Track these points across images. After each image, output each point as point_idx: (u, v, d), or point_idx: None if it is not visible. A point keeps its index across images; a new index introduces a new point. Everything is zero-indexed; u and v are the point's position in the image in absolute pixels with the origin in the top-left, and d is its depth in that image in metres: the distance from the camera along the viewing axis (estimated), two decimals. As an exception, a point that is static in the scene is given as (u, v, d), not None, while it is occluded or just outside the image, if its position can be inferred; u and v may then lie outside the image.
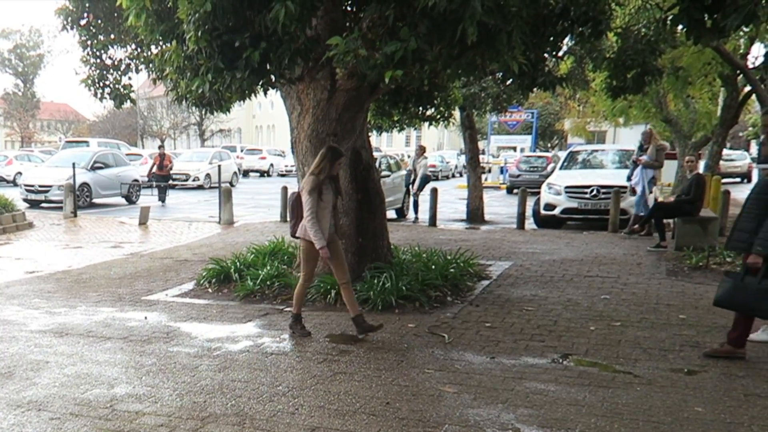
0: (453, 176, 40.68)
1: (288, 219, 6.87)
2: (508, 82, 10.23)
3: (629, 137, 36.96)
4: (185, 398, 4.80)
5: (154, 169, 21.42)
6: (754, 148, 51.77)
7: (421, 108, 10.99)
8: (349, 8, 7.97)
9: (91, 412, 4.56)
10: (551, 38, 7.71)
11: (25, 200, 19.60)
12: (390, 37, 5.63)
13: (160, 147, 23.48)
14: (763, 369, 5.36)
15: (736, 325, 5.62)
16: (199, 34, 5.75)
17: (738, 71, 15.39)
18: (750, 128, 51.12)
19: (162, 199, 21.11)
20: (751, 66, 15.45)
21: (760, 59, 16.77)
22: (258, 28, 5.85)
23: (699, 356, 5.64)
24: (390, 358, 5.66)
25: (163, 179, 21.34)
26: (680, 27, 6.10)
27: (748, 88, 17.55)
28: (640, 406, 4.61)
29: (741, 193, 24.90)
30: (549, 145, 54.73)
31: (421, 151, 17.55)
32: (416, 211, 16.71)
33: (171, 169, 22.27)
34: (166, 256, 11.06)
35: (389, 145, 61.94)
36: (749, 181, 34.53)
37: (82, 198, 18.93)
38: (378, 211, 8.31)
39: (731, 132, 20.56)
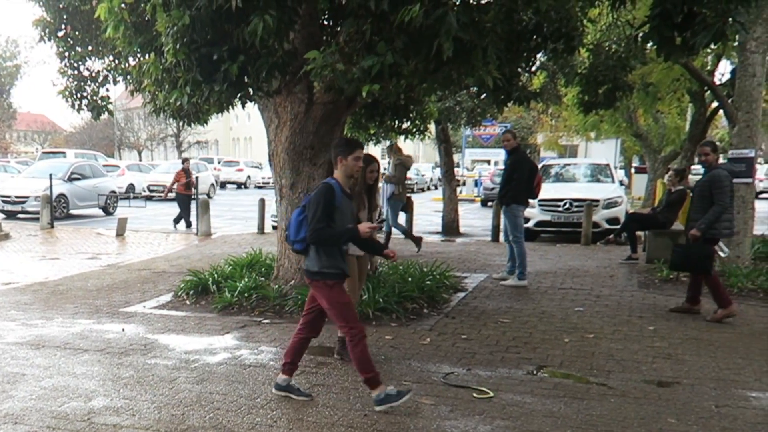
0: (428, 189, 40.93)
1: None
2: (483, 96, 10.40)
3: (601, 151, 37.52)
4: (163, 411, 4.77)
5: (175, 187, 17.14)
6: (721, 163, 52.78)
7: (397, 121, 11.09)
8: (326, 22, 8.04)
9: (68, 426, 4.52)
10: (525, 54, 7.84)
11: (2, 211, 19.38)
12: (367, 52, 5.68)
13: (185, 161, 18.48)
14: (732, 381, 5.48)
15: (690, 288, 7.67)
16: (178, 46, 5.76)
17: (706, 87, 15.74)
18: (717, 143, 52.15)
19: (189, 224, 16.95)
20: (718, 82, 15.82)
21: (727, 76, 17.14)
22: (236, 42, 5.87)
23: (671, 368, 5.74)
24: (367, 370, 5.68)
25: (187, 200, 16.96)
26: (651, 44, 6.26)
27: (715, 104, 17.96)
28: (614, 417, 4.68)
29: (709, 206, 25.42)
30: (522, 158, 55.17)
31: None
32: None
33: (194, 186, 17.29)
34: (144, 268, 10.98)
35: (365, 157, 62.00)
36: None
37: (59, 209, 18.76)
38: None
39: (697, 147, 20.93)
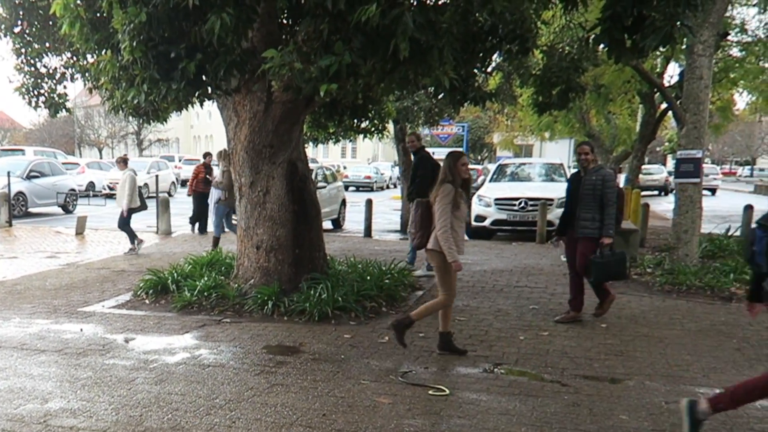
0: (387, 187, 41.08)
1: (411, 229, 6.49)
2: (440, 96, 10.49)
3: (555, 151, 38.14)
4: (121, 412, 4.72)
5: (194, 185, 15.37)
6: (670, 162, 54.12)
7: (355, 121, 11.11)
8: (285, 21, 8.02)
9: (24, 428, 4.44)
10: (481, 54, 7.93)
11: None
12: (325, 51, 5.69)
13: (206, 155, 15.58)
14: (681, 378, 5.66)
15: (572, 292, 7.50)
16: (134, 44, 5.69)
17: (655, 89, 16.15)
18: (666, 143, 53.44)
19: (203, 227, 15.32)
20: (667, 84, 16.24)
21: (675, 78, 17.61)
22: (194, 40, 5.83)
23: (623, 365, 5.90)
24: (326, 369, 5.71)
25: (203, 199, 14.42)
26: (602, 46, 6.41)
27: (664, 105, 18.44)
28: (567, 414, 4.79)
29: (659, 205, 26.09)
30: (479, 157, 55.79)
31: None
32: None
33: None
34: (103, 267, 10.82)
35: (325, 156, 62.01)
36: (666, 193, 36.11)
37: (17, 207, 18.36)
38: (314, 222, 8.36)
39: (649, 147, 21.47)
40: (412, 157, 10.91)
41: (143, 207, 12.15)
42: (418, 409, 4.85)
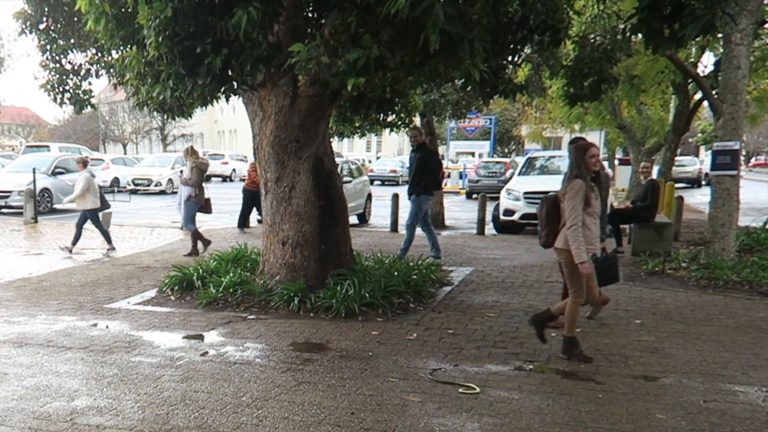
0: (413, 181, 40.82)
1: (539, 227, 6.18)
2: (469, 89, 10.36)
3: (585, 143, 37.45)
4: (147, 410, 4.70)
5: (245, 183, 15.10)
6: (703, 154, 53.22)
7: (382, 114, 11.01)
8: (310, 15, 7.94)
9: (51, 427, 4.43)
10: (511, 46, 7.80)
11: (-15, 206, 19.09)
12: (352, 45, 5.61)
13: None
14: (719, 376, 5.48)
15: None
16: (160, 39, 5.66)
17: (689, 79, 15.79)
18: (699, 134, 52.54)
19: (245, 223, 14.97)
20: (701, 74, 15.86)
21: (710, 68, 17.20)
22: (219, 34, 5.78)
23: (659, 362, 5.73)
24: (354, 366, 5.64)
25: (254, 197, 13.54)
26: (638, 36, 6.23)
27: (698, 96, 18.03)
28: (602, 413, 4.66)
29: (693, 198, 25.60)
30: (506, 150, 55.38)
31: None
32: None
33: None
34: (128, 263, 10.87)
35: (350, 150, 61.99)
36: (699, 186, 35.44)
37: (42, 204, 18.52)
38: (341, 218, 8.29)
39: (681, 138, 21.07)
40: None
41: (105, 206, 12.15)
42: (448, 407, 4.76)
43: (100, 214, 11.72)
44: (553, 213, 5.87)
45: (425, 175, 10.25)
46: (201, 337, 6.53)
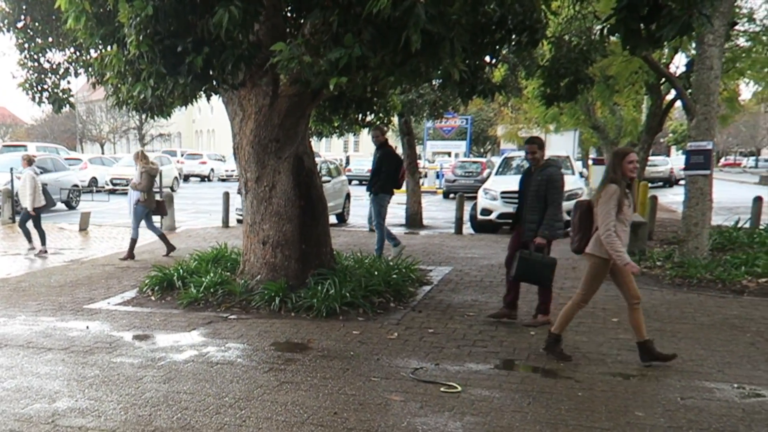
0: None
1: (572, 232, 5.93)
2: (447, 89, 10.42)
3: (559, 143, 37.96)
4: (130, 411, 4.67)
5: None
6: (674, 154, 54.00)
7: (361, 114, 11.02)
8: (289, 14, 7.93)
9: (32, 429, 4.39)
10: (489, 46, 7.84)
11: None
12: (334, 44, 5.61)
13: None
14: (695, 373, 5.57)
15: (509, 290, 7.17)
16: (141, 38, 5.60)
17: (662, 80, 16.00)
18: (670, 134, 53.29)
19: None
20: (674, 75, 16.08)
21: (682, 68, 17.44)
22: (200, 33, 5.74)
23: (636, 360, 5.81)
24: (336, 366, 5.65)
25: None
26: (616, 36, 6.29)
27: (670, 96, 18.29)
28: (582, 411, 4.72)
29: (665, 197, 25.95)
30: (482, 150, 55.68)
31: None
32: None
33: None
34: (108, 263, 10.78)
35: (328, 150, 61.89)
36: (671, 185, 35.94)
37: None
38: (321, 217, 8.29)
39: (654, 138, 21.34)
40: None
41: (51, 204, 12.06)
42: (430, 406, 4.79)
43: (81, 214, 11.59)
44: (586, 218, 5.74)
45: (383, 174, 10.47)
46: (182, 338, 6.49)
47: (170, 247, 11.31)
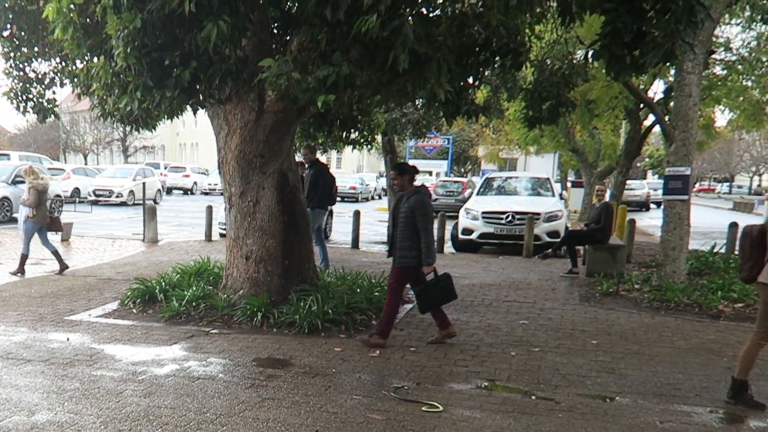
0: (372, 198, 41.03)
1: (741, 260, 5.59)
2: (431, 109, 10.51)
3: (539, 165, 38.38)
4: (110, 426, 4.61)
5: None
6: (650, 178, 54.71)
7: (345, 132, 11.07)
8: (276, 31, 7.97)
9: (9, 443, 4.32)
10: (474, 68, 7.93)
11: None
12: (322, 61, 5.65)
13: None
14: (673, 396, 5.63)
15: (434, 317, 7.08)
16: (128, 50, 5.60)
17: (641, 105, 16.27)
18: (647, 159, 54.05)
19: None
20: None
21: (659, 94, 17.74)
22: (188, 47, 5.76)
23: (615, 382, 5.86)
24: (317, 383, 5.63)
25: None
26: (600, 61, 6.39)
27: (648, 122, 18.60)
28: (563, 433, 4.74)
29: (642, 221, 26.24)
30: (463, 170, 56.00)
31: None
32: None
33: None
34: (89, 275, 10.67)
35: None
36: (647, 209, 36.38)
37: (2, 212, 18.21)
38: (304, 234, 8.28)
39: (632, 162, 21.66)
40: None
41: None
42: (411, 426, 4.78)
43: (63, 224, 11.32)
44: (758, 245, 5.35)
45: (318, 191, 10.77)
46: (163, 352, 6.43)
47: (63, 266, 10.84)
